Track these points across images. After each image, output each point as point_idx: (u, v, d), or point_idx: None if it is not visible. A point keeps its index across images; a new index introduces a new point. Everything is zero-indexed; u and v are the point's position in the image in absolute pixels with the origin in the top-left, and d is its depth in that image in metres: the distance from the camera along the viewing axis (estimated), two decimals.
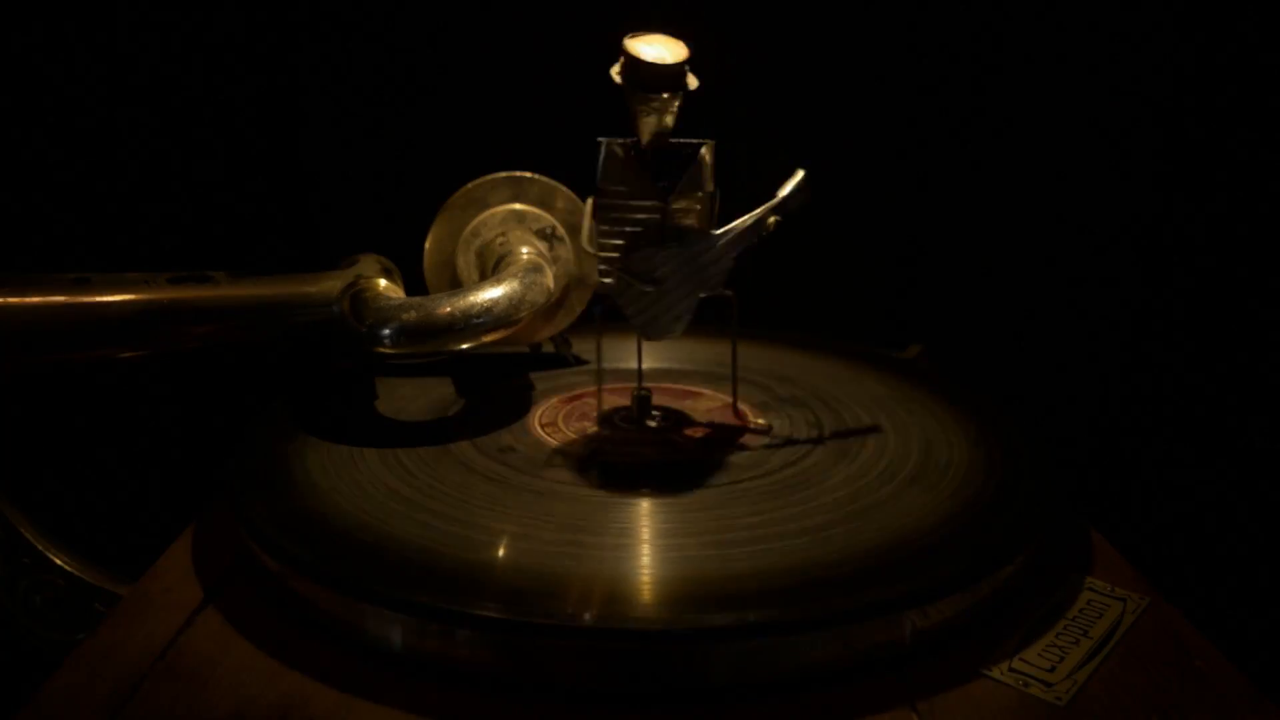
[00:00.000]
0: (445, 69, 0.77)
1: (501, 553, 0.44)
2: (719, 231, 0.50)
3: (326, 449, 0.53)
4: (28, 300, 0.51)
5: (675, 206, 0.49)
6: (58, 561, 0.54)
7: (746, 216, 0.50)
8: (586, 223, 0.51)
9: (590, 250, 0.51)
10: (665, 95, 0.47)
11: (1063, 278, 0.78)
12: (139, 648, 0.41)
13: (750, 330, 0.70)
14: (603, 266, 0.51)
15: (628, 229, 0.50)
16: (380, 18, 0.76)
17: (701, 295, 0.51)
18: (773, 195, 0.51)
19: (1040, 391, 0.76)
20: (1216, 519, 0.76)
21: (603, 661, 0.39)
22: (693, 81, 0.47)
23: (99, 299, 0.53)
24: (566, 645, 0.39)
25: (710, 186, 0.50)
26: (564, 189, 0.61)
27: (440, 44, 0.77)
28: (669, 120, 0.48)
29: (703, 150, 0.50)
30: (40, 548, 0.54)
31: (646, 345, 0.54)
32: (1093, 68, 0.74)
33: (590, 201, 0.51)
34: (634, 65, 0.46)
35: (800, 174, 0.51)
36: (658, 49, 0.47)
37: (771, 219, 0.50)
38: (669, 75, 0.46)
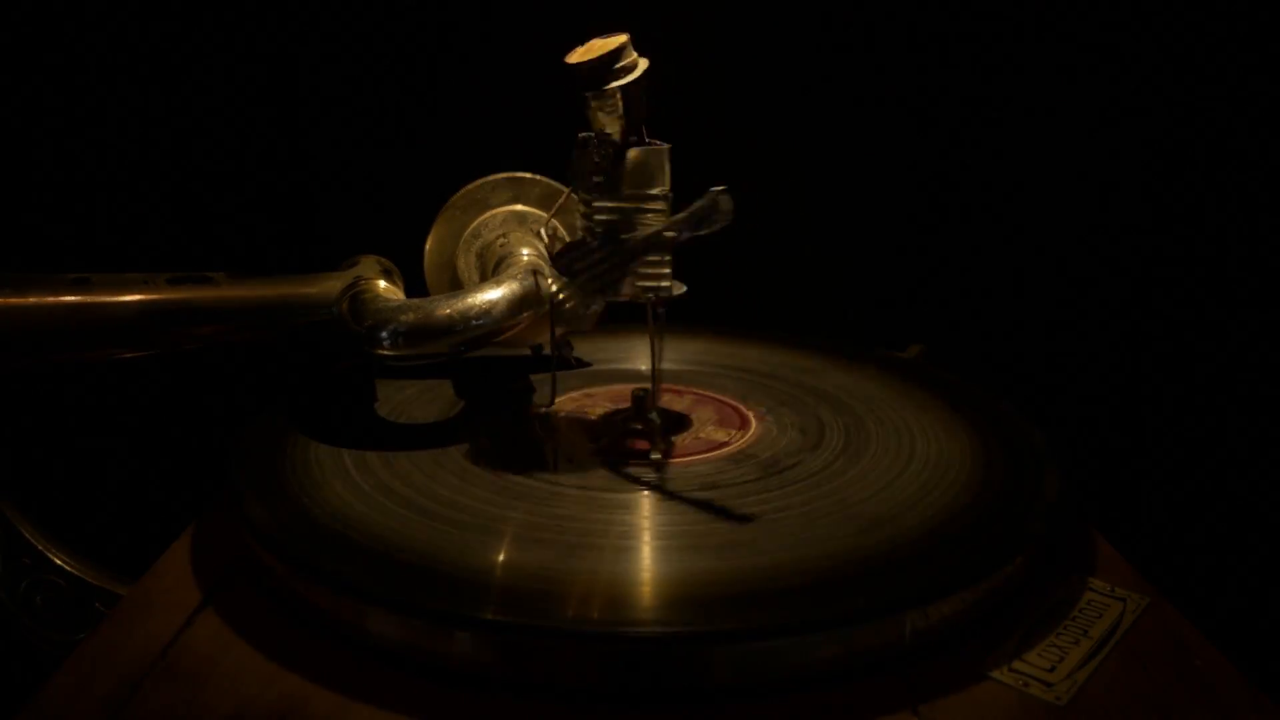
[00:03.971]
0: (447, 69, 0.77)
1: (502, 554, 0.44)
2: (624, 238, 0.49)
3: (326, 450, 0.53)
4: (28, 300, 0.51)
5: (596, 205, 0.50)
6: (58, 561, 0.54)
7: (654, 229, 0.49)
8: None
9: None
10: (589, 94, 0.47)
11: (1063, 278, 0.78)
12: (139, 648, 0.41)
13: (750, 330, 0.70)
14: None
15: (587, 225, 0.50)
16: (382, 17, 0.76)
17: (610, 298, 0.51)
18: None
19: (1040, 391, 0.76)
20: (1216, 519, 0.76)
21: (603, 663, 0.39)
22: (621, 79, 0.47)
23: (99, 299, 0.53)
24: (567, 647, 0.39)
25: (653, 189, 0.49)
26: (566, 190, 0.61)
27: (442, 44, 0.77)
28: (605, 118, 0.48)
29: (630, 152, 0.49)
30: (40, 548, 0.54)
31: (636, 347, 0.54)
32: (1095, 66, 0.74)
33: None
34: (566, 68, 0.47)
35: (712, 193, 0.46)
36: (590, 48, 0.47)
37: (670, 234, 0.48)
38: (582, 72, 0.47)
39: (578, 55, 0.47)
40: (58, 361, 0.56)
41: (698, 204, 0.46)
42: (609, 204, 0.49)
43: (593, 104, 0.48)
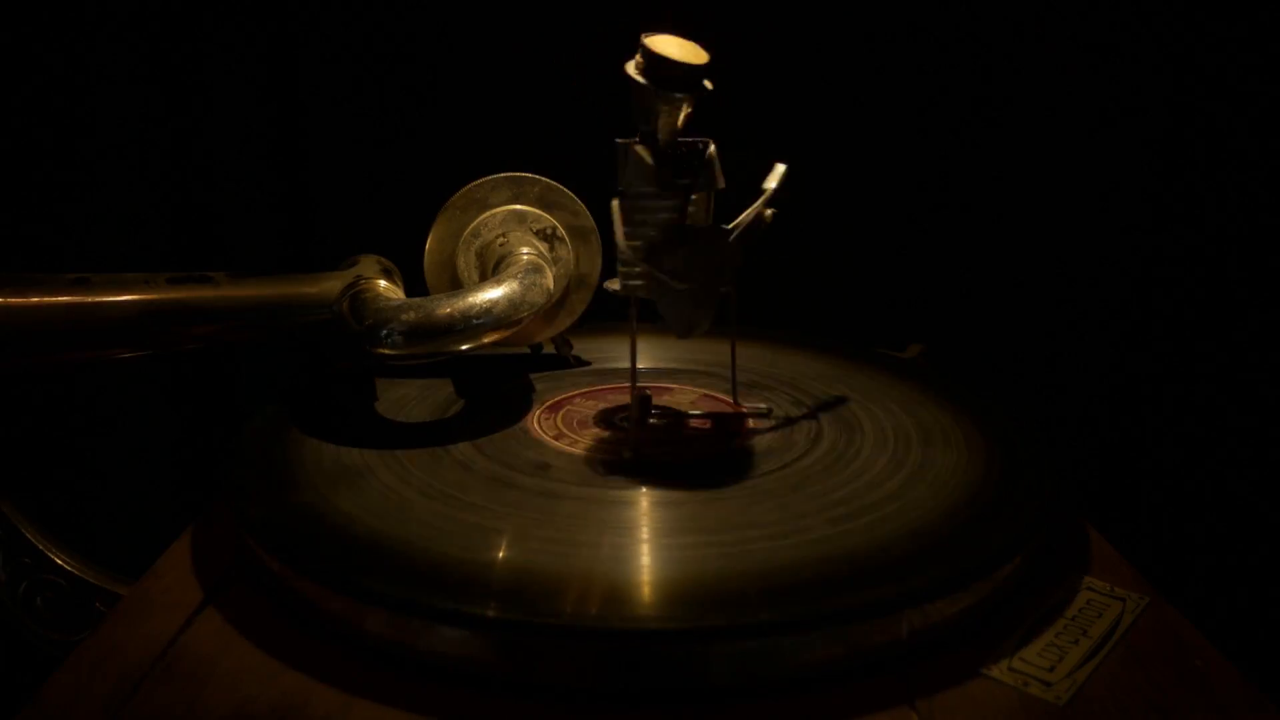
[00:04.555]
0: (446, 69, 0.77)
1: (501, 553, 0.44)
2: (728, 227, 0.50)
3: (326, 449, 0.53)
4: (28, 300, 0.51)
5: (692, 204, 0.50)
6: (58, 561, 0.54)
7: (748, 211, 0.50)
8: (619, 227, 0.50)
9: (626, 252, 0.50)
10: (684, 95, 0.47)
11: (1063, 278, 0.78)
12: (139, 648, 0.41)
13: (749, 330, 0.70)
14: (637, 269, 0.50)
15: (651, 230, 0.50)
16: (381, 17, 0.76)
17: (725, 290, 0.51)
18: (760, 191, 0.51)
19: (1040, 391, 0.76)
20: (1216, 519, 0.76)
21: (602, 661, 0.39)
22: (708, 84, 0.48)
23: (99, 299, 0.53)
24: (566, 645, 0.39)
25: (722, 184, 0.51)
26: (565, 190, 0.61)
27: (441, 44, 0.77)
28: (681, 120, 0.48)
29: (711, 148, 0.50)
30: (40, 548, 0.54)
31: (642, 345, 0.54)
32: (1095, 66, 0.74)
33: (616, 204, 0.50)
34: (660, 64, 0.47)
35: (782, 167, 0.52)
36: (682, 49, 0.47)
37: (768, 211, 0.50)
38: (694, 76, 0.47)
39: (678, 55, 0.47)
40: (58, 361, 0.56)
41: (776, 181, 0.51)
42: (699, 200, 0.51)
43: (664, 104, 0.47)
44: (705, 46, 0.49)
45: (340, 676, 0.39)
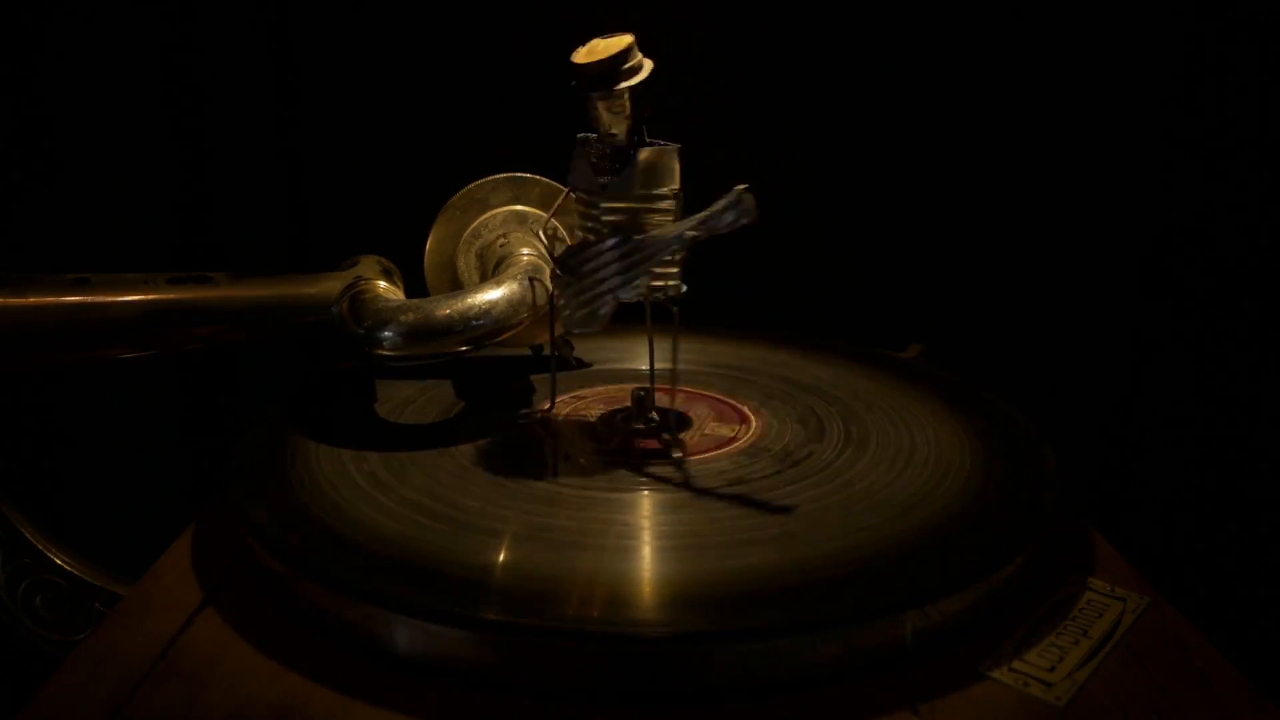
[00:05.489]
0: (446, 69, 0.77)
1: (502, 554, 0.44)
2: (639, 237, 0.49)
3: (326, 450, 0.53)
4: (28, 300, 0.51)
5: (604, 205, 0.49)
6: (58, 561, 0.54)
7: (672, 225, 0.49)
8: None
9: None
10: (597, 94, 0.47)
11: (1064, 277, 0.78)
12: (139, 648, 0.41)
13: (749, 330, 0.70)
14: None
15: (599, 228, 0.50)
16: (382, 15, 0.76)
17: (624, 299, 0.50)
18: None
19: (1040, 392, 0.76)
20: (1216, 519, 0.76)
21: (603, 663, 0.39)
22: (630, 79, 0.47)
23: (99, 299, 0.53)
24: (566, 647, 0.39)
25: (662, 189, 0.49)
26: (565, 190, 0.61)
27: (441, 44, 0.77)
28: (608, 119, 0.48)
29: (642, 152, 0.49)
30: (40, 548, 0.54)
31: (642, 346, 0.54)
32: (1096, 65, 0.74)
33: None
34: (572, 68, 0.47)
35: (736, 191, 0.46)
36: (593, 49, 0.47)
37: (691, 233, 0.47)
38: (588, 75, 0.46)
39: (583, 55, 0.47)
40: (58, 361, 0.56)
41: (721, 202, 0.45)
42: (619, 204, 0.49)
43: (599, 104, 0.47)
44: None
45: (340, 677, 0.39)
